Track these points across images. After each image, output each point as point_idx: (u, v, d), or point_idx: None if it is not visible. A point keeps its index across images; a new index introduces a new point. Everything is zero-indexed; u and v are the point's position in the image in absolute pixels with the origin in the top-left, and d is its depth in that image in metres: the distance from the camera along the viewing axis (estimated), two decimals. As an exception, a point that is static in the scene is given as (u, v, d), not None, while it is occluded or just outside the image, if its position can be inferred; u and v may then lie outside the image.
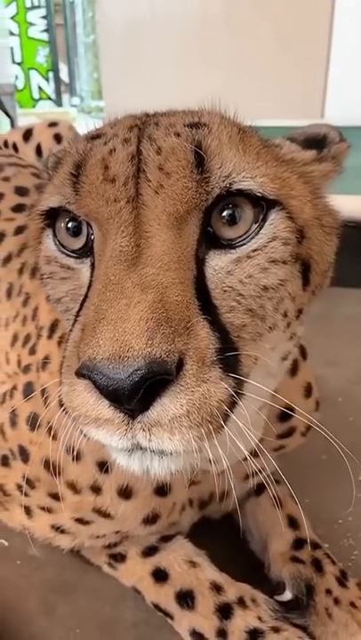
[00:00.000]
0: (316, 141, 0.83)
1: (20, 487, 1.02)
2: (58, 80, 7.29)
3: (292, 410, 0.95)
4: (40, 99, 7.24)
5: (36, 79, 7.17)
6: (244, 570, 1.05)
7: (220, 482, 1.02)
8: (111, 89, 4.59)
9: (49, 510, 1.00)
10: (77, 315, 0.68)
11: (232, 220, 0.65)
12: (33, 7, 6.94)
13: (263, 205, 0.66)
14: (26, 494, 1.01)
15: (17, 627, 1.00)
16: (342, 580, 0.99)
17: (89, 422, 0.59)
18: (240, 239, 0.65)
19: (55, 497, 0.96)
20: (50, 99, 7.26)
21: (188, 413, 0.56)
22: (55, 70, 7.21)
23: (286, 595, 0.99)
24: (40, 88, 7.21)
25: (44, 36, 7.06)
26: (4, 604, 1.04)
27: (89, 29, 7.40)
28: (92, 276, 0.68)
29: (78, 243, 0.70)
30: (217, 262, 0.64)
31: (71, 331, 0.68)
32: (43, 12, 6.97)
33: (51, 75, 7.19)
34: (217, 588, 0.96)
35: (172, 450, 0.58)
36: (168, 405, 0.56)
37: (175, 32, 4.07)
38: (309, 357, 1.08)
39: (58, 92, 7.32)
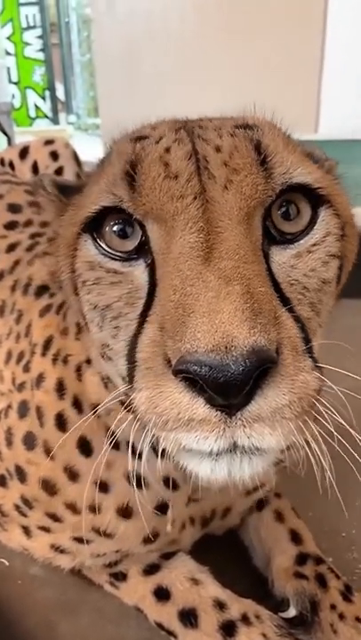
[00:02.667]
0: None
1: (17, 507, 1.01)
2: (54, 98, 7.37)
3: None
4: (37, 117, 7.31)
5: (33, 98, 7.26)
6: (248, 585, 1.04)
7: (221, 497, 1.02)
8: (107, 106, 4.63)
9: (48, 530, 0.99)
10: (143, 316, 0.65)
11: (290, 216, 0.67)
12: (29, 27, 7.04)
13: (314, 203, 0.68)
14: (24, 514, 1.00)
15: (19, 648, 0.99)
16: (347, 594, 0.98)
17: (179, 426, 0.56)
18: (296, 235, 0.67)
19: (54, 517, 0.95)
20: (46, 117, 7.34)
21: (290, 403, 0.55)
22: (51, 89, 7.29)
23: (291, 611, 0.97)
24: (37, 106, 7.29)
25: (40, 56, 7.15)
26: (6, 624, 1.03)
27: (84, 49, 7.51)
28: (152, 276, 0.66)
29: (129, 244, 0.68)
30: (279, 258, 0.65)
31: (138, 334, 0.64)
32: (38, 32, 7.08)
33: (47, 93, 7.27)
34: (220, 606, 0.94)
35: (272, 445, 0.56)
36: (270, 396, 0.54)
37: (170, 50, 4.11)
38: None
39: (54, 111, 7.40)
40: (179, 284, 0.58)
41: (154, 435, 0.60)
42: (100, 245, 0.69)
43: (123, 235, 0.68)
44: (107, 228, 0.69)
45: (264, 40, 3.72)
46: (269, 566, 1.06)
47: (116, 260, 0.68)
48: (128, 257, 0.68)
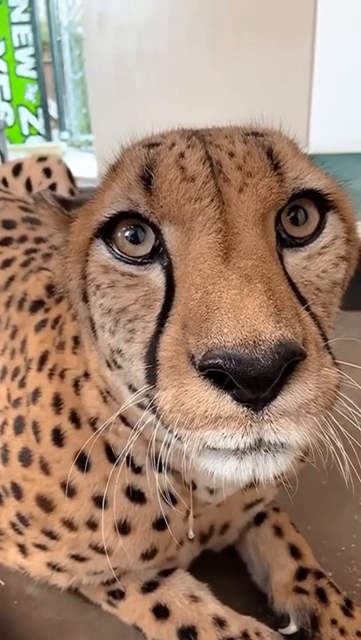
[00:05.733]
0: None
1: (13, 525, 0.99)
2: (47, 116, 7.40)
3: None
4: (30, 134, 7.34)
5: (26, 115, 7.29)
6: (248, 602, 1.03)
7: (219, 513, 1.01)
8: (100, 123, 4.66)
9: (44, 548, 0.97)
10: (161, 318, 0.65)
11: (298, 221, 0.69)
12: (21, 46, 7.09)
13: (321, 207, 0.70)
14: (20, 532, 0.99)
15: (15, 670, 0.97)
16: (347, 609, 0.97)
17: (205, 424, 0.55)
18: (306, 239, 0.69)
19: (50, 534, 0.94)
20: (39, 134, 7.36)
21: (316, 398, 0.55)
22: (44, 106, 7.33)
23: (291, 627, 0.96)
24: (29, 124, 7.32)
25: (33, 74, 7.19)
26: (2, 646, 1.01)
27: (77, 66, 7.56)
28: (169, 277, 0.66)
29: (142, 249, 0.68)
30: (292, 260, 0.67)
31: (159, 334, 0.64)
32: (31, 50, 7.12)
33: (40, 111, 7.30)
34: (220, 623, 0.93)
35: (297, 440, 0.56)
36: (297, 391, 0.55)
37: (161, 67, 4.15)
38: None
39: (47, 128, 7.43)
40: (200, 283, 0.59)
41: (173, 438, 0.59)
42: (114, 250, 0.70)
43: (135, 240, 0.69)
44: (119, 234, 0.69)
45: (254, 55, 3.76)
46: (269, 582, 1.05)
47: (130, 263, 0.68)
48: (142, 261, 0.68)
